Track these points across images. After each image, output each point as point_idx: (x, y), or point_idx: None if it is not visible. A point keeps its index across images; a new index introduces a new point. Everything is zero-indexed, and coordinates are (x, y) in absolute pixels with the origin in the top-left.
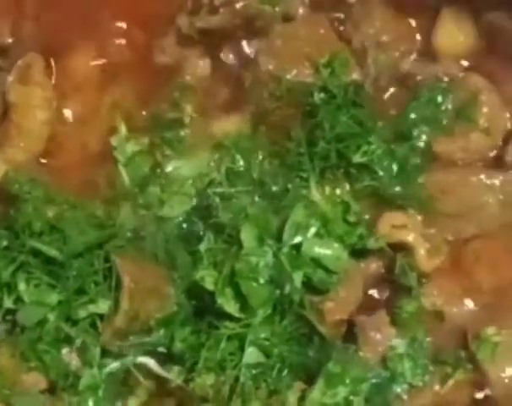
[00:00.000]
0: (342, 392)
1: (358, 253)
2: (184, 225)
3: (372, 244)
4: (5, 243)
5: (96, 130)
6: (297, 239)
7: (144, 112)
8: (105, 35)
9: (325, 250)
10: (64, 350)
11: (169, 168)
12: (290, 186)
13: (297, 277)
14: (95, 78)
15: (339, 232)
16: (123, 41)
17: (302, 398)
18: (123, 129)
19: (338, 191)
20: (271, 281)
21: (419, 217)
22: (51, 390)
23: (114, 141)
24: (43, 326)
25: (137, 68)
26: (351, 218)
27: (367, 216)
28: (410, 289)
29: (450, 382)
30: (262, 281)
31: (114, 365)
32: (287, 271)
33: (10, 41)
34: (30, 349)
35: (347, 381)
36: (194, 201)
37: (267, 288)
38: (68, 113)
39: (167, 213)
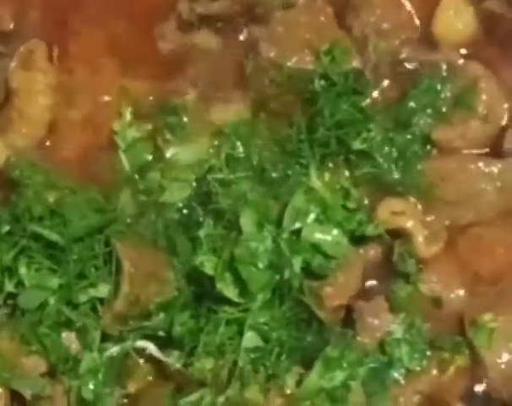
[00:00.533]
0: (340, 375)
1: (357, 239)
2: (184, 211)
3: (371, 230)
4: (7, 227)
5: (100, 116)
6: (297, 225)
7: (151, 98)
8: (106, 21)
9: (325, 236)
10: (64, 333)
11: (168, 154)
12: (290, 172)
13: (297, 263)
14: (99, 64)
15: (338, 218)
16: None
17: (299, 382)
18: (128, 115)
19: (338, 178)
20: (270, 266)
21: (418, 204)
22: (52, 373)
23: (116, 126)
24: (44, 310)
25: (142, 54)
26: (351, 205)
27: (366, 203)
28: (408, 275)
29: (451, 369)
30: (261, 266)
31: (114, 349)
32: (287, 256)
33: (12, 26)
34: (31, 333)
35: (345, 366)
36: (194, 187)
37: (266, 273)
38: (71, 99)
39: (167, 199)
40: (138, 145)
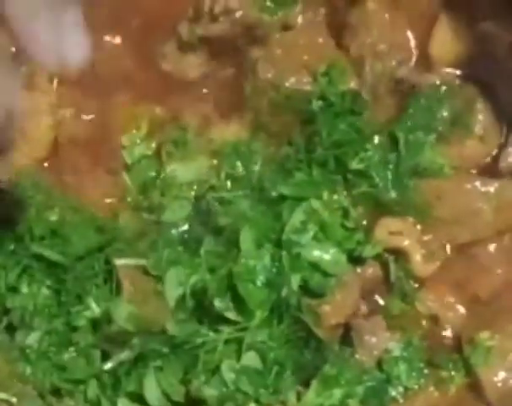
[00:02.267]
0: (337, 393)
1: (355, 258)
2: (184, 229)
3: (368, 251)
4: (12, 246)
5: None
6: (296, 243)
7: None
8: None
9: (324, 254)
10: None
11: (168, 170)
12: (288, 191)
13: (295, 280)
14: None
15: (337, 237)
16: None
17: (298, 400)
18: (144, 129)
19: (336, 197)
20: (268, 284)
21: (415, 223)
22: (56, 393)
23: (126, 141)
24: (48, 332)
25: (143, 74)
26: (350, 224)
27: (364, 222)
28: (406, 294)
29: (452, 389)
30: (259, 283)
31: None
32: (285, 274)
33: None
34: (24, 355)
35: (342, 383)
36: (193, 205)
37: (264, 290)
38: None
39: (169, 218)
40: (143, 161)
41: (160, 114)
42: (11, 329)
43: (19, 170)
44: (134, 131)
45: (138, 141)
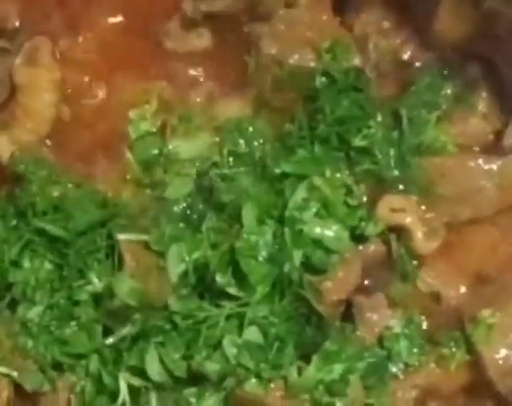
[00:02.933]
0: (338, 369)
1: (357, 235)
2: (186, 205)
3: (371, 229)
4: (14, 222)
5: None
6: (299, 220)
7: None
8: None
9: (326, 231)
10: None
11: (171, 146)
12: (291, 168)
13: (297, 256)
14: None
15: (340, 214)
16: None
17: (298, 375)
18: (154, 104)
19: (338, 174)
20: (270, 259)
21: (418, 201)
22: (57, 367)
23: (133, 114)
24: (50, 306)
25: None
26: (353, 202)
27: (365, 199)
28: (407, 272)
29: (453, 366)
30: (261, 259)
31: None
32: (287, 249)
33: (18, 24)
34: (25, 328)
35: (343, 359)
36: (195, 182)
37: (266, 265)
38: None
39: (171, 194)
40: (147, 138)
41: (165, 92)
42: (13, 303)
43: (21, 146)
44: (146, 105)
45: (148, 116)
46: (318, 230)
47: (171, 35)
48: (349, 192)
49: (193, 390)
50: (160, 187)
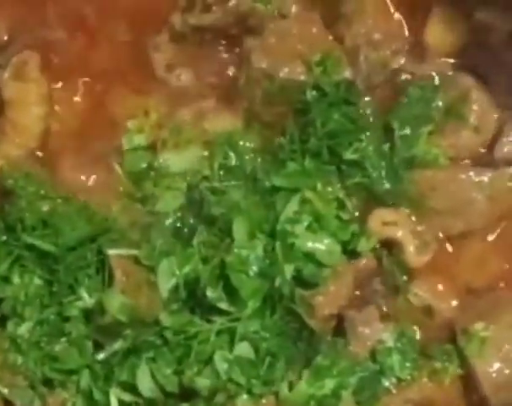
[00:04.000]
0: (330, 384)
1: (350, 252)
2: (177, 219)
3: (363, 245)
4: (3, 237)
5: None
6: (290, 233)
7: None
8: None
9: (318, 245)
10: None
11: (161, 160)
12: (282, 182)
13: (288, 270)
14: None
15: (332, 228)
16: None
17: (290, 390)
18: (154, 117)
19: (330, 188)
20: (261, 274)
21: (409, 214)
22: (48, 383)
23: (131, 125)
24: (40, 323)
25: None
26: (345, 216)
27: (357, 214)
28: (399, 286)
29: (446, 380)
30: (252, 273)
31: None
32: (278, 264)
33: (6, 38)
34: (15, 345)
35: (335, 374)
36: (186, 196)
37: (257, 280)
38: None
39: (162, 208)
40: (138, 151)
41: (157, 106)
42: (2, 319)
43: (10, 161)
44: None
45: (146, 128)
46: (309, 244)
47: (160, 49)
48: (341, 206)
49: (184, 405)
50: (151, 201)
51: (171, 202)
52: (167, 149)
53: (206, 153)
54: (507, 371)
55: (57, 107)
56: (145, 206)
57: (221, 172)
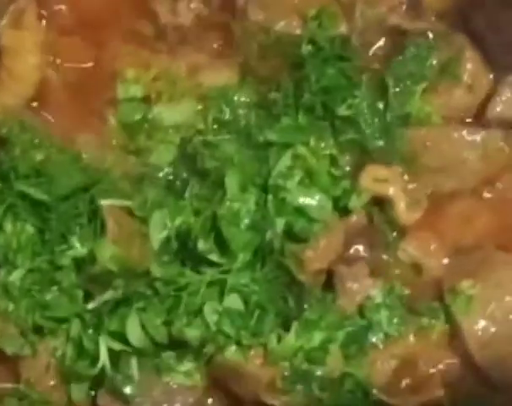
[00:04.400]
0: (318, 337)
1: (341, 209)
2: (170, 172)
3: (354, 202)
4: None
5: (92, 80)
6: (282, 188)
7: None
8: None
9: (310, 200)
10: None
11: (155, 111)
12: (275, 137)
13: (279, 224)
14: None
15: (323, 183)
16: None
17: (278, 342)
18: (153, 72)
19: (323, 144)
20: (253, 227)
21: (401, 172)
22: (38, 331)
23: (130, 73)
24: (31, 269)
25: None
26: (337, 172)
27: (349, 169)
28: (389, 242)
29: (433, 336)
30: (243, 226)
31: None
32: (269, 217)
33: None
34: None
35: (323, 327)
36: (179, 149)
37: (248, 233)
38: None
39: (155, 161)
40: (133, 103)
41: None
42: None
43: (5, 109)
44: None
45: (142, 82)
46: (301, 198)
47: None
48: (333, 162)
49: (172, 354)
50: (144, 154)
51: (164, 155)
52: (162, 101)
53: (200, 107)
54: (492, 329)
55: (55, 58)
56: (139, 158)
57: (215, 126)
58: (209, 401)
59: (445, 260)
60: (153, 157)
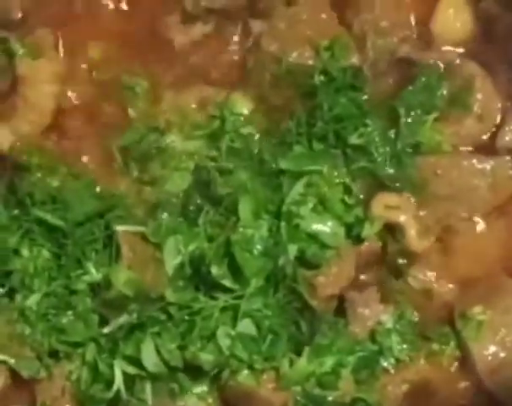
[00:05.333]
0: (329, 362)
1: (354, 237)
2: (184, 198)
3: (367, 231)
4: (16, 211)
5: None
6: (296, 214)
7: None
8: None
9: (323, 226)
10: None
11: (168, 140)
12: (288, 165)
13: (292, 250)
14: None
15: (336, 210)
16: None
17: (290, 367)
18: (168, 99)
19: (336, 172)
20: (265, 253)
21: (412, 199)
22: (54, 355)
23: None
24: (46, 294)
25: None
26: (350, 200)
27: (361, 197)
28: (399, 269)
29: (443, 362)
30: (256, 252)
31: (112, 326)
32: (282, 244)
33: (20, 15)
34: (23, 316)
35: (334, 352)
36: (193, 176)
37: (261, 259)
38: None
39: (170, 188)
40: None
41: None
42: (12, 291)
43: (22, 136)
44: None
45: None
46: (314, 225)
47: (171, 30)
48: (346, 190)
49: (186, 377)
50: (159, 182)
51: (179, 183)
52: (172, 132)
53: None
54: (502, 355)
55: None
56: (153, 188)
57: (228, 154)
58: None
59: (456, 287)
60: (168, 185)
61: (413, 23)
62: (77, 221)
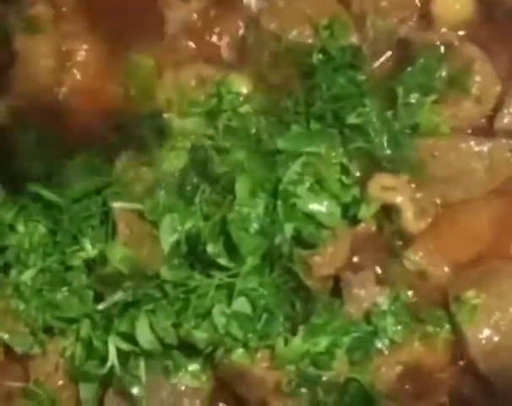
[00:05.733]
0: (324, 341)
1: (350, 218)
2: (180, 176)
3: (364, 212)
4: (9, 186)
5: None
6: (292, 193)
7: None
8: None
9: (319, 206)
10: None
11: (165, 121)
12: (286, 144)
13: (288, 230)
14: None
15: (333, 190)
16: None
17: (285, 346)
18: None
19: (333, 152)
20: (261, 232)
21: (409, 181)
22: (48, 330)
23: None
24: (42, 270)
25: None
26: (347, 180)
27: (357, 175)
28: (395, 250)
29: (437, 344)
30: (252, 231)
31: (107, 303)
32: (278, 223)
33: None
34: (18, 292)
35: (329, 332)
36: (190, 155)
37: (257, 237)
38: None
39: (167, 168)
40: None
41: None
42: (6, 267)
43: (20, 112)
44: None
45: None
46: (310, 205)
47: (171, 5)
48: (343, 170)
49: (180, 354)
50: (156, 162)
51: (175, 162)
52: (172, 112)
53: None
54: (496, 338)
55: (70, 64)
56: (150, 168)
57: (225, 133)
58: (216, 403)
59: (450, 270)
60: (165, 165)
61: (413, 4)
62: (73, 197)
